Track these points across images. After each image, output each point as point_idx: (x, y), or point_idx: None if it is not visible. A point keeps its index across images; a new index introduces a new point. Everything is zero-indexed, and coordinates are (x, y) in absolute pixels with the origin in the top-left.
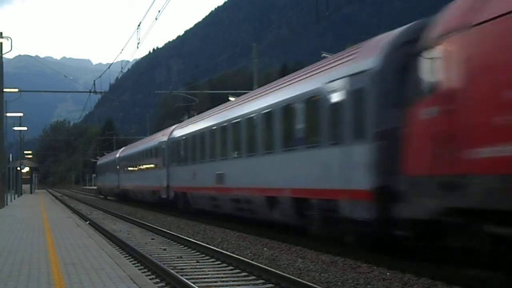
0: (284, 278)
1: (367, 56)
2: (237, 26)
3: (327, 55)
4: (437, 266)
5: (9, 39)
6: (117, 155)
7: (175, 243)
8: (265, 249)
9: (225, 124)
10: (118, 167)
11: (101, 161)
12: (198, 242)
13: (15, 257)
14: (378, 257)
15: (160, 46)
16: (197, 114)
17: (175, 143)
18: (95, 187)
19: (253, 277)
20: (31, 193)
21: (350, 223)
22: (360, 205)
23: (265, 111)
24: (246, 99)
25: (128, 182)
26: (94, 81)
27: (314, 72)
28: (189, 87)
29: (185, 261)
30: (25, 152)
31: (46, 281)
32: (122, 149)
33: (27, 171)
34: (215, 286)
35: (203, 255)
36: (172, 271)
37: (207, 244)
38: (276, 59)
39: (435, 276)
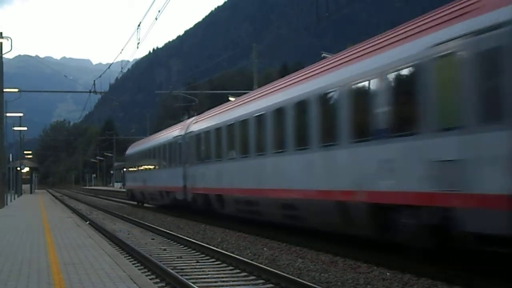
0: (284, 278)
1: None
2: (237, 26)
3: (327, 55)
4: (437, 266)
5: (9, 39)
6: (184, 131)
7: (175, 243)
8: (265, 249)
9: None
10: (186, 152)
11: (137, 147)
12: (198, 242)
13: (15, 257)
14: (378, 257)
15: (160, 46)
16: (197, 114)
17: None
18: (94, 188)
19: (253, 277)
20: (31, 193)
21: None
22: None
23: None
24: None
25: (239, 179)
26: (94, 81)
27: None
28: (189, 87)
29: (185, 261)
30: (25, 152)
31: (46, 281)
32: (194, 119)
33: (27, 171)
34: (215, 286)
35: (203, 255)
36: (172, 271)
37: (207, 244)
38: (276, 59)
39: (435, 276)
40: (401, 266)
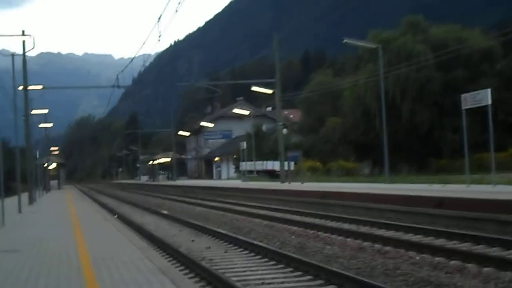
0: (312, 265)
1: None
2: (257, 15)
3: (349, 41)
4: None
5: (31, 37)
6: None
7: (203, 234)
8: (292, 237)
9: None
10: None
11: None
12: (225, 232)
13: (45, 252)
14: (406, 241)
15: (181, 38)
16: (220, 105)
17: None
18: (122, 182)
19: (282, 266)
20: (59, 189)
21: None
22: None
23: None
24: None
25: None
26: (117, 75)
27: None
28: (211, 78)
29: (214, 252)
30: (52, 148)
31: (77, 275)
32: None
33: (54, 167)
34: (244, 275)
35: (231, 245)
36: (201, 262)
37: (234, 234)
38: (297, 47)
39: (465, 259)
40: (430, 250)
